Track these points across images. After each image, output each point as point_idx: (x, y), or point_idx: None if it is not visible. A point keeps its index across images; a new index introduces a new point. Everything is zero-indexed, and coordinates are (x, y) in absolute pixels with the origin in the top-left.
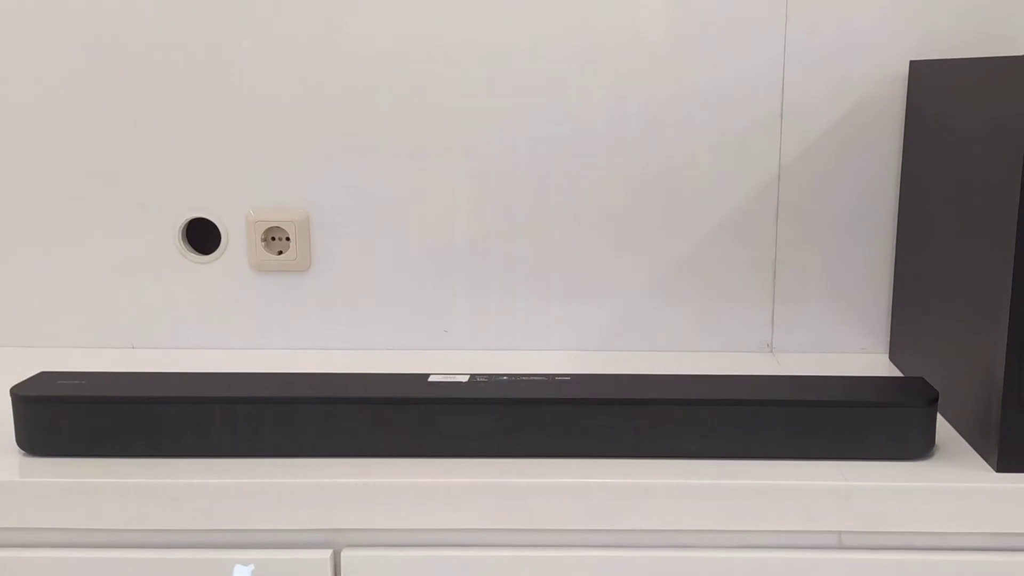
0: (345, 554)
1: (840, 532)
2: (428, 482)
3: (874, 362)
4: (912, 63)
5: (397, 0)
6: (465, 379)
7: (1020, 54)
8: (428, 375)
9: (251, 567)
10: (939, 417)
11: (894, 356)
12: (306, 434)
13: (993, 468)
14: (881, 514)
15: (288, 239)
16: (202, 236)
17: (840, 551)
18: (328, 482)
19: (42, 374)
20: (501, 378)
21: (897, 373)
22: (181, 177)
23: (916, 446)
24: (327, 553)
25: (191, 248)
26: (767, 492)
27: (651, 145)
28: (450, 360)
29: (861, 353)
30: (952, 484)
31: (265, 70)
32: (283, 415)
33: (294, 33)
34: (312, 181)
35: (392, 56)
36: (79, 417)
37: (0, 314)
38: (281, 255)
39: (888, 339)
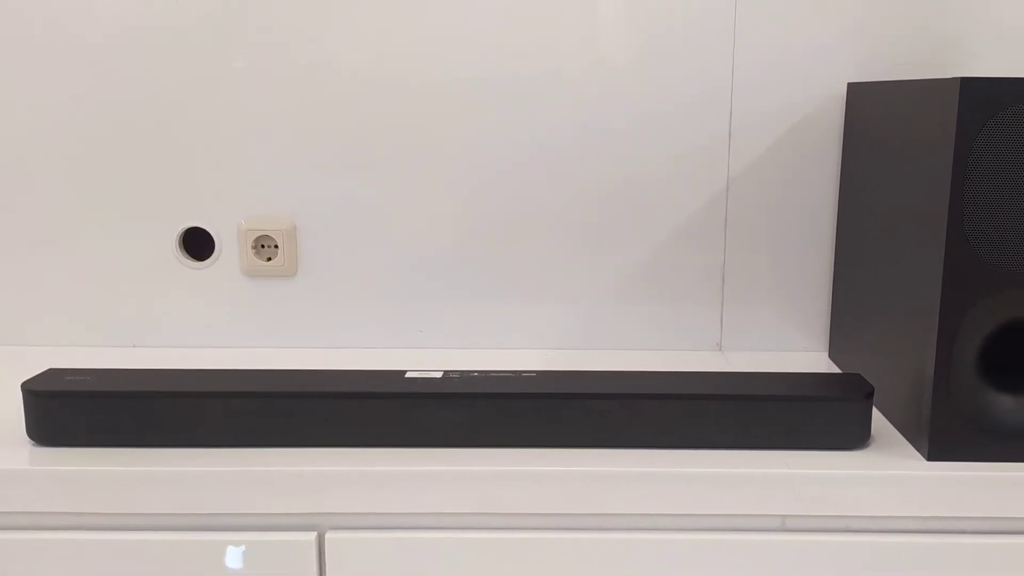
0: (329, 536)
1: (784, 516)
2: (405, 470)
3: (815, 360)
4: (850, 85)
5: (380, 26)
6: (439, 375)
7: (947, 77)
8: (405, 372)
9: (243, 548)
10: (874, 410)
11: (833, 354)
12: (293, 426)
13: (924, 457)
14: (821, 499)
15: (276, 246)
16: (198, 244)
17: (784, 533)
18: (313, 470)
19: (50, 371)
20: (472, 374)
21: (836, 370)
22: (178, 189)
23: (854, 437)
24: (312, 535)
25: (187, 255)
26: (718, 479)
27: (613, 161)
28: (425, 358)
29: (803, 352)
30: (886, 472)
31: (256, 91)
32: (272, 408)
33: (283, 57)
34: (299, 193)
35: (374, 78)
36: (84, 410)
37: (11, 315)
38: (270, 261)
39: (827, 339)
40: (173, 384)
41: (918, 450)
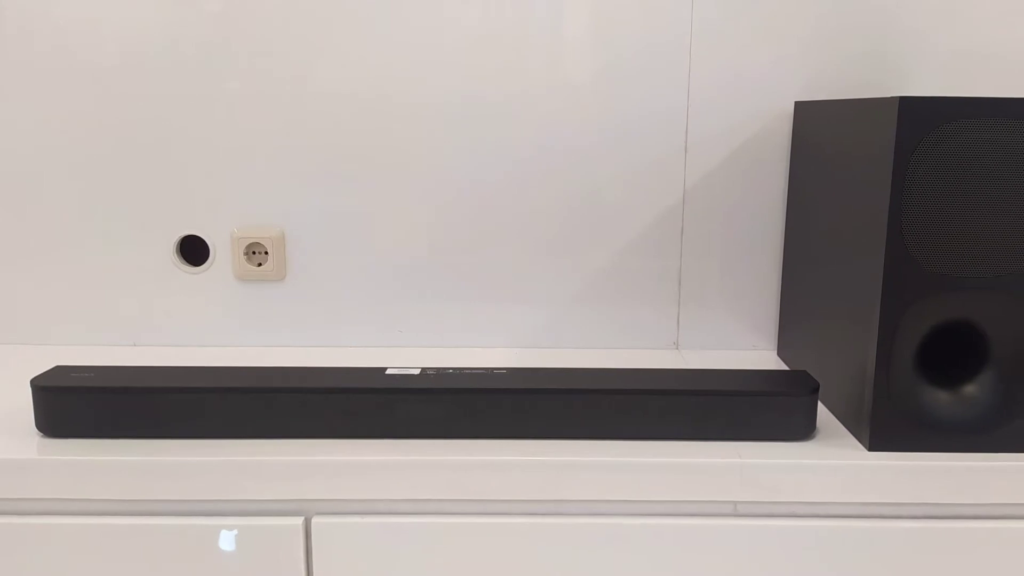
0: (315, 521)
1: (736, 502)
2: (385, 459)
3: (764, 358)
4: (797, 103)
5: (361, 52)
6: (417, 372)
7: (886, 96)
8: (385, 368)
9: (235, 532)
10: (819, 404)
11: (781, 352)
12: (282, 419)
13: (866, 448)
14: (771, 487)
15: (267, 253)
16: (194, 251)
17: (736, 518)
18: (300, 459)
19: (57, 367)
20: (447, 371)
21: (784, 367)
22: (176, 200)
23: (800, 429)
24: (299, 520)
25: (184, 261)
26: (675, 468)
27: (578, 173)
28: (404, 356)
29: (753, 350)
30: (831, 461)
31: (247, 111)
32: (262, 402)
33: (272, 78)
34: (287, 204)
35: (356, 97)
36: (89, 404)
37: (21, 316)
38: (260, 267)
39: (776, 338)
40: (171, 380)
41: (860, 441)
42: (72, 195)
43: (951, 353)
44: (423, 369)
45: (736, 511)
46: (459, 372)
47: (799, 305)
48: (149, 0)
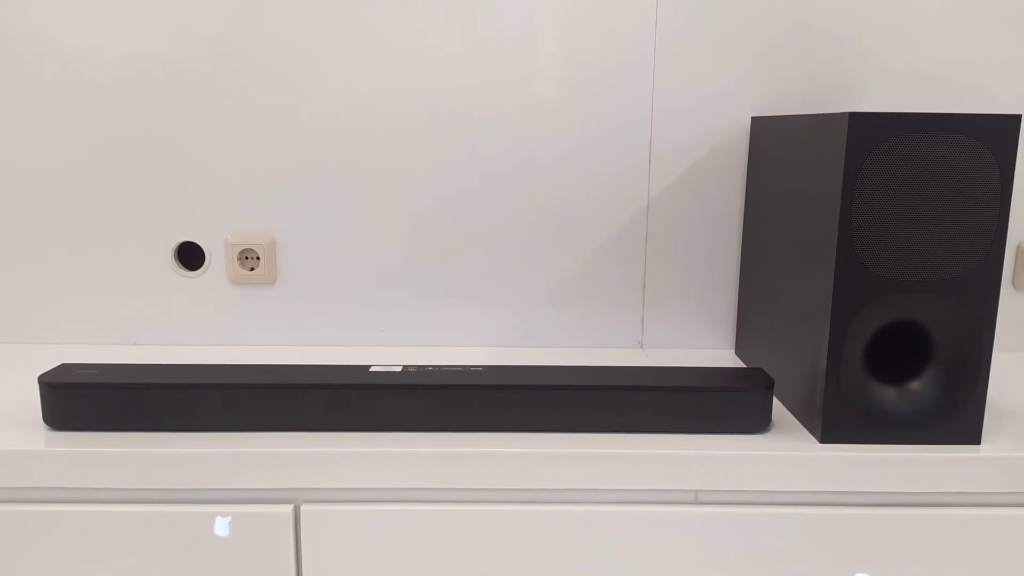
0: (304, 508)
1: (696, 491)
2: (369, 450)
3: (723, 356)
4: (753, 118)
5: (346, 71)
6: (399, 369)
7: (836, 112)
8: (369, 366)
9: (229, 519)
10: (775, 400)
11: (739, 351)
12: (272, 413)
13: (817, 440)
14: (729, 476)
15: (259, 258)
16: (190, 256)
17: (696, 506)
18: (290, 451)
19: (63, 365)
20: (427, 368)
21: (741, 365)
22: (174, 209)
23: (757, 422)
24: (289, 508)
25: (181, 265)
26: (639, 459)
27: (549, 184)
28: (386, 354)
29: (713, 349)
30: (785, 452)
31: (241, 124)
32: (255, 398)
33: (264, 96)
34: (278, 213)
35: (341, 114)
36: (93, 399)
37: (29, 317)
38: (253, 271)
39: (734, 337)
40: (169, 377)
41: (812, 434)
42: (77, 204)
43: (897, 352)
44: (405, 367)
45: (697, 499)
46: (438, 369)
47: (756, 307)
48: (148, 24)
